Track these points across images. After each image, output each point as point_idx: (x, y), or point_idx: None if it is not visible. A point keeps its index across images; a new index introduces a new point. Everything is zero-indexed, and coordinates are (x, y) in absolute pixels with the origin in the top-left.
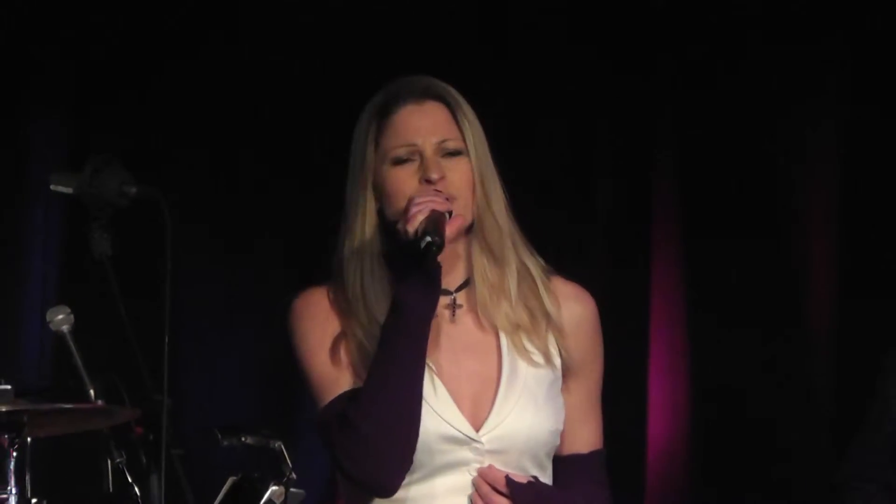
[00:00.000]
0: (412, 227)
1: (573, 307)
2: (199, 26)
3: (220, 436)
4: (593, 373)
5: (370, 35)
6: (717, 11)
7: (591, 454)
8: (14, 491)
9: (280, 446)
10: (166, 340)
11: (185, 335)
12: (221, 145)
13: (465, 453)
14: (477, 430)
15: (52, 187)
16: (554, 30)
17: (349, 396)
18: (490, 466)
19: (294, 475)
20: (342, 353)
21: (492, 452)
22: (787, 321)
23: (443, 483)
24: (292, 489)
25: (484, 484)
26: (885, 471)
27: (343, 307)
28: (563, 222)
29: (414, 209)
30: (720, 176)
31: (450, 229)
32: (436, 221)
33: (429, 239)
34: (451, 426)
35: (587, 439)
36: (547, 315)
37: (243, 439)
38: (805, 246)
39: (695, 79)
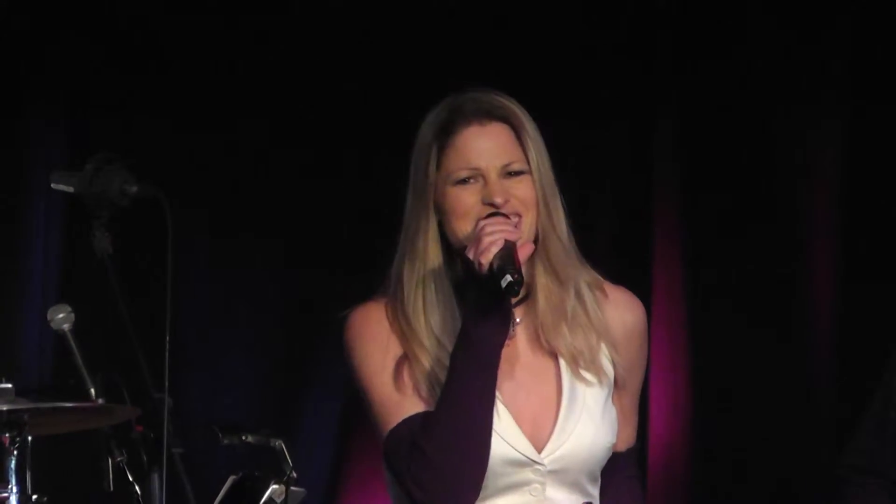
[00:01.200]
0: (486, 260)
1: (625, 316)
2: (199, 25)
3: (220, 434)
4: (639, 376)
5: (373, 34)
6: (718, 7)
7: (629, 451)
8: (15, 490)
9: (280, 445)
10: (167, 339)
11: (186, 334)
12: (222, 145)
13: (526, 474)
14: (539, 452)
15: (52, 186)
16: (552, 25)
17: (419, 423)
18: None
19: (294, 474)
20: (405, 377)
21: (552, 472)
22: (787, 320)
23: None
24: (293, 488)
25: None
26: (888, 465)
27: (403, 326)
28: None
29: (487, 239)
30: (721, 177)
31: (522, 255)
32: (510, 253)
33: (510, 279)
34: (515, 449)
35: (626, 439)
36: (598, 332)
37: (244, 438)
38: (807, 246)
39: (695, 78)
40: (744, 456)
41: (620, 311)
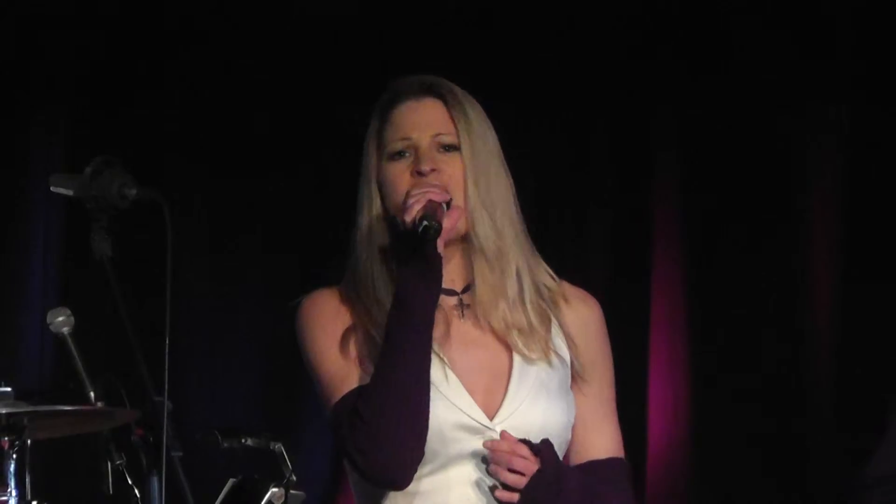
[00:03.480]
0: (409, 217)
1: (579, 308)
2: (200, 26)
3: (220, 438)
4: (604, 378)
5: (370, 34)
6: (720, 13)
7: (610, 460)
8: (14, 493)
9: (280, 448)
10: (167, 342)
11: (186, 337)
12: (222, 146)
13: (478, 443)
14: (490, 419)
15: (52, 189)
16: (552, 30)
17: (358, 392)
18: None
19: (294, 477)
20: (352, 351)
21: None
22: (787, 322)
23: (456, 475)
24: (292, 491)
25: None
26: None
27: (355, 305)
28: (562, 225)
29: (411, 200)
30: (721, 179)
31: (449, 220)
32: (433, 209)
33: (426, 223)
34: (465, 414)
35: (604, 446)
36: (548, 317)
37: (243, 441)
38: (806, 247)
39: (696, 84)
40: (744, 457)
41: (574, 303)
